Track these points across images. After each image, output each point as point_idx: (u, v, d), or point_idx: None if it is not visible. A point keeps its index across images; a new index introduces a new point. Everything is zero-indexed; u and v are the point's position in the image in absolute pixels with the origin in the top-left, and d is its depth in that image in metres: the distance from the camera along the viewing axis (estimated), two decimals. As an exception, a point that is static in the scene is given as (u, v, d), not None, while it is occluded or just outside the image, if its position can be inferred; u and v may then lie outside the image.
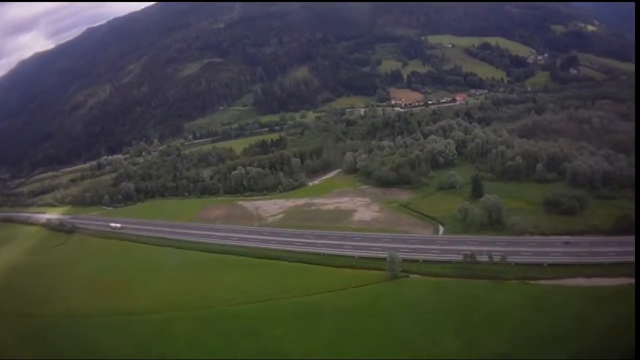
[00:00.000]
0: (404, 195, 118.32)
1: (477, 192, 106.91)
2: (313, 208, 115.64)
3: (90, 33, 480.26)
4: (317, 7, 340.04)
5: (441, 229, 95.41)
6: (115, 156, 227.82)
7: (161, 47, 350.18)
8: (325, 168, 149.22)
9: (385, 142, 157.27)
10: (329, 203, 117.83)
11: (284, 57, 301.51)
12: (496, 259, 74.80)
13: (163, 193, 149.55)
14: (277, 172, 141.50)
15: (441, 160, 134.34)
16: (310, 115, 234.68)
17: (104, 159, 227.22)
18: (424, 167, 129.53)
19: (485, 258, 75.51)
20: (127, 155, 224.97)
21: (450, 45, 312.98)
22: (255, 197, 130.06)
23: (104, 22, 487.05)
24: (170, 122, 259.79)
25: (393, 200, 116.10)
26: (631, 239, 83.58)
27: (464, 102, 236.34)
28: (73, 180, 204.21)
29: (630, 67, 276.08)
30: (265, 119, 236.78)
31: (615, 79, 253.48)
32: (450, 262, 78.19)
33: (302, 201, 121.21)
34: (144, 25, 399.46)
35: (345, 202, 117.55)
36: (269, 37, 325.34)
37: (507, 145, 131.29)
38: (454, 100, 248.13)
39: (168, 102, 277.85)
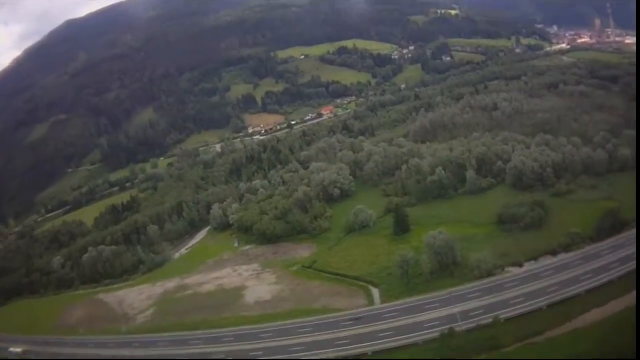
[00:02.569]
0: (303, 251, 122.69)
1: (401, 226, 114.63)
2: (189, 293, 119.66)
3: None
4: (156, 43, 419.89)
5: (375, 292, 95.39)
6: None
7: (11, 112, 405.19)
8: (191, 229, 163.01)
9: (258, 182, 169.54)
10: (207, 282, 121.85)
11: (127, 102, 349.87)
12: (482, 320, 75.88)
13: (21, 292, 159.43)
14: (134, 247, 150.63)
15: (336, 192, 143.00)
16: (162, 163, 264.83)
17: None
18: (317, 206, 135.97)
19: (464, 325, 75.22)
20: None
21: (302, 57, 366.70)
22: (116, 286, 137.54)
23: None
24: (21, 196, 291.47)
25: (291, 260, 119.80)
26: (625, 237, 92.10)
27: (332, 115, 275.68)
28: None
29: (505, 43, 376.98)
30: (115, 176, 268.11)
31: (494, 57, 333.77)
32: (416, 344, 75.88)
33: (172, 283, 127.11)
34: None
35: (228, 277, 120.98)
36: (111, 82, 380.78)
37: (419, 157, 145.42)
38: (320, 115, 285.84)
39: (18, 173, 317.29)
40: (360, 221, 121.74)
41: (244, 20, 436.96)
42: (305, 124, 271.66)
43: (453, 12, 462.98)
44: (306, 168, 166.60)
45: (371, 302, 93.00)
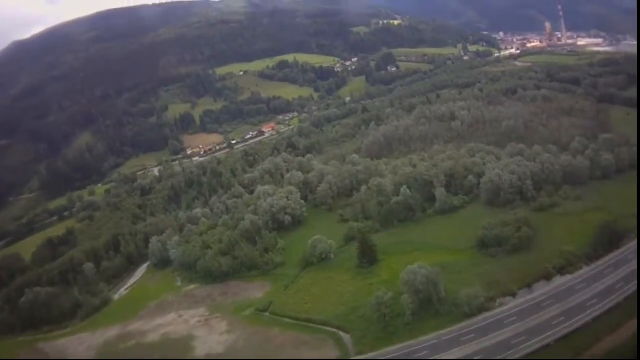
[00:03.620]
0: (256, 291, 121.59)
1: (368, 258, 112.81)
2: (131, 344, 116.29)
3: None
4: (96, 63, 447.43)
5: (347, 340, 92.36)
6: None
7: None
8: (129, 265, 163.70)
9: (198, 211, 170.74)
10: (151, 330, 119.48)
11: (66, 125, 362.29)
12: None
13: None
14: (71, 288, 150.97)
15: (287, 219, 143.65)
16: (100, 190, 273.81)
17: None
18: (267, 237, 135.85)
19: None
20: None
21: (242, 73, 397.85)
22: (55, 334, 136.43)
23: None
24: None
25: (242, 303, 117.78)
26: (624, 251, 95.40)
27: (275, 133, 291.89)
28: None
29: (452, 50, 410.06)
30: (55, 203, 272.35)
31: (442, 65, 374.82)
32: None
33: (113, 332, 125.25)
34: None
35: (173, 324, 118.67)
36: (51, 105, 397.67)
37: (378, 175, 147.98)
38: (261, 133, 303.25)
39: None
40: (318, 253, 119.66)
41: (183, 37, 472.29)
42: (246, 143, 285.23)
43: (396, 22, 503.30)
44: (251, 192, 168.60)
45: (344, 352, 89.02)
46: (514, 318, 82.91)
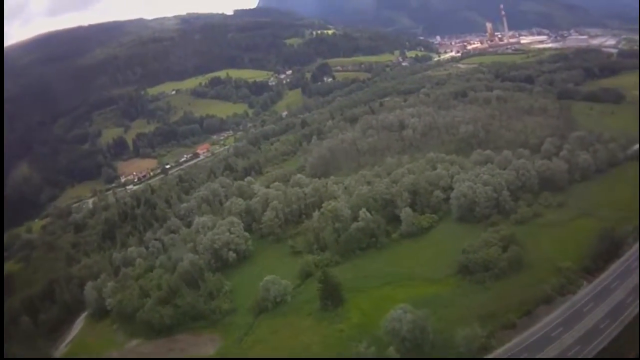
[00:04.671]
0: (206, 346, 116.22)
1: (332, 299, 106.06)
2: None
3: None
4: (32, 88, 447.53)
5: None
6: None
7: None
8: (67, 315, 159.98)
9: (133, 250, 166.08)
10: None
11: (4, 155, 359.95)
12: None
13: None
14: (11, 345, 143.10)
15: (232, 256, 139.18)
16: (37, 226, 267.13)
17: None
18: (211, 280, 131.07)
19: None
20: None
21: (174, 92, 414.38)
22: None
23: None
24: None
25: None
26: (626, 259, 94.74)
27: (210, 154, 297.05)
28: None
29: (389, 57, 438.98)
30: None
31: (381, 72, 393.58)
32: None
33: None
34: None
35: None
36: None
37: (331, 196, 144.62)
38: (196, 155, 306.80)
39: None
40: (272, 297, 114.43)
41: (116, 57, 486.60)
42: (181, 167, 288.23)
43: (330, 32, 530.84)
44: (188, 224, 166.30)
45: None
46: (525, 355, 79.02)
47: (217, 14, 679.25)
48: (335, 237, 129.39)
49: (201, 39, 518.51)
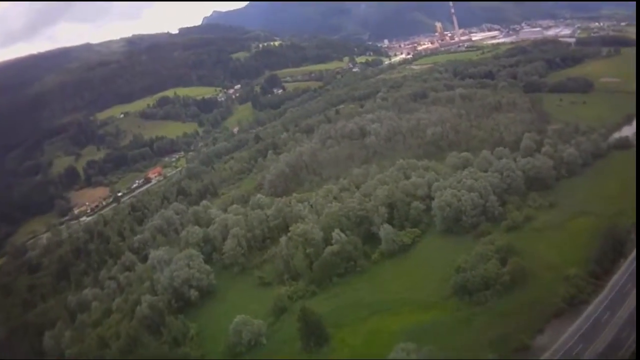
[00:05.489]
0: None
1: (316, 338, 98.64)
2: None
3: None
4: None
5: None
6: None
7: None
8: None
9: (88, 292, 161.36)
10: None
11: None
12: None
13: None
14: None
15: (194, 294, 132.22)
16: None
17: None
18: (174, 324, 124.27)
19: None
20: None
21: (122, 115, 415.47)
22: None
23: None
24: None
25: None
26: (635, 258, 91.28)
27: (162, 178, 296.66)
28: None
29: (339, 64, 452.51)
30: None
31: (332, 80, 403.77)
32: None
33: None
34: None
35: None
36: None
37: (297, 217, 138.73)
38: (148, 179, 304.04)
39: None
40: (246, 340, 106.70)
41: (65, 84, 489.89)
42: (133, 194, 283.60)
43: (276, 43, 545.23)
44: (144, 258, 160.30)
45: None
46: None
47: (163, 34, 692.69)
48: (308, 263, 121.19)
49: (148, 60, 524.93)
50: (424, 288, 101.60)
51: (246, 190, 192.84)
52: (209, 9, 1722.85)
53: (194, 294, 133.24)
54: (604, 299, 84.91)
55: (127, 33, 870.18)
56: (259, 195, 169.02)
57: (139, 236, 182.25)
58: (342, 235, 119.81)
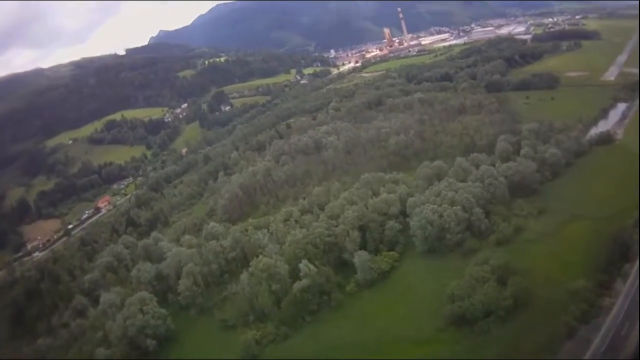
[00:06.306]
0: None
1: None
2: None
3: None
4: None
5: None
6: None
7: None
8: None
9: (42, 342, 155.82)
10: None
11: None
12: None
13: None
14: None
15: (151, 343, 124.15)
16: None
17: None
18: None
19: None
20: None
21: (70, 142, 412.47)
22: None
23: None
24: None
25: None
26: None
27: (111, 207, 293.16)
28: None
29: (286, 77, 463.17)
30: None
31: (280, 94, 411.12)
32: None
33: None
34: None
35: None
36: None
37: (258, 248, 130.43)
38: (97, 209, 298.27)
39: None
40: None
41: (15, 110, 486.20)
42: (83, 225, 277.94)
43: (221, 59, 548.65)
44: (96, 300, 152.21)
45: None
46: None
47: (110, 55, 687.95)
48: (274, 301, 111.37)
49: (95, 83, 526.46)
50: (414, 321, 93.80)
51: (198, 216, 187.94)
52: (155, 28, 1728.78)
53: (151, 343, 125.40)
54: (619, 310, 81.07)
55: (77, 56, 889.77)
56: (212, 224, 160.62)
57: (89, 275, 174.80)
58: (311, 266, 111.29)
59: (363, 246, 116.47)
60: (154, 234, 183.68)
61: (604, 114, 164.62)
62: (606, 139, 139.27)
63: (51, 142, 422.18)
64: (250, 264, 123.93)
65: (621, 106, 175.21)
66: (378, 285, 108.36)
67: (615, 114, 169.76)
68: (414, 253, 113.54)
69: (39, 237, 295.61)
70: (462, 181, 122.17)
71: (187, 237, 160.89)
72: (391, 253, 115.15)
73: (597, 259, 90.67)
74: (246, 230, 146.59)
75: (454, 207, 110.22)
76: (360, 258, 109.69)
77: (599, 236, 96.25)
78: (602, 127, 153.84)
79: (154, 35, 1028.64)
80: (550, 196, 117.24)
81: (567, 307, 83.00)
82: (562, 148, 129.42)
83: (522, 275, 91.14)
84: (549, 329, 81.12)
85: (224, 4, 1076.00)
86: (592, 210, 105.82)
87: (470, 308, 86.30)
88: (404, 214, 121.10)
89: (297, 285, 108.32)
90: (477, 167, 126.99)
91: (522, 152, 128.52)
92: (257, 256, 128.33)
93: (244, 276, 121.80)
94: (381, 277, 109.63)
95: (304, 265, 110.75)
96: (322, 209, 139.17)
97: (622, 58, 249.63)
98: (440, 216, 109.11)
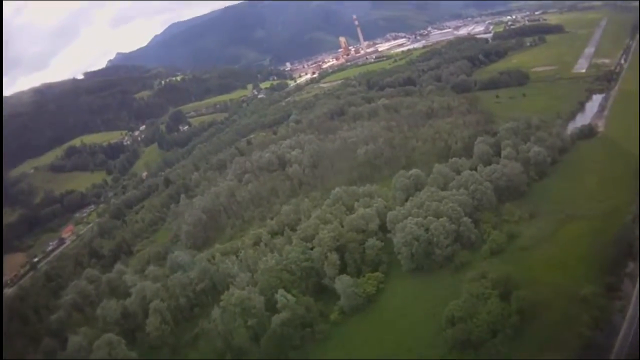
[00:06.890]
0: None
1: None
2: None
3: None
4: None
5: None
6: None
7: None
8: None
9: None
10: None
11: None
12: None
13: None
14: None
15: None
16: None
17: None
18: None
19: None
20: None
21: (32, 170, 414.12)
22: None
23: None
24: None
25: None
26: None
27: (75, 237, 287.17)
28: None
29: (243, 92, 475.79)
30: None
31: (238, 110, 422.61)
32: None
33: None
34: None
35: None
36: None
37: (229, 278, 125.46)
38: (62, 240, 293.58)
39: None
40: None
41: None
42: (49, 258, 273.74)
43: (178, 78, 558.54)
44: (64, 343, 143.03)
45: None
46: None
47: (69, 80, 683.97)
48: (252, 336, 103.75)
49: (55, 108, 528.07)
50: (412, 348, 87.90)
51: (162, 242, 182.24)
52: (113, 51, 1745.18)
53: None
54: (634, 313, 78.81)
55: (38, 82, 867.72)
56: (176, 253, 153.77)
57: (55, 315, 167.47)
58: (289, 296, 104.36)
59: (343, 269, 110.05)
60: (118, 266, 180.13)
61: (580, 107, 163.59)
62: (588, 133, 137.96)
63: (14, 172, 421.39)
64: (222, 297, 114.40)
65: (597, 98, 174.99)
66: (365, 311, 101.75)
67: (592, 107, 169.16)
68: (399, 272, 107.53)
69: (6, 273, 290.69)
70: (443, 189, 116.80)
71: (151, 268, 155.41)
72: (375, 274, 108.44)
73: (599, 261, 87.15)
74: (213, 258, 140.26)
75: (440, 219, 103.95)
76: (342, 284, 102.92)
77: (596, 236, 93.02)
78: (581, 120, 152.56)
79: (112, 58, 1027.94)
80: (539, 197, 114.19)
81: (578, 316, 78.36)
82: (544, 146, 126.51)
83: (525, 286, 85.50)
84: (563, 343, 76.48)
85: (179, 22, 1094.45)
86: (585, 208, 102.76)
87: (475, 330, 79.61)
88: (383, 229, 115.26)
89: (276, 318, 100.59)
90: (458, 172, 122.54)
91: (504, 153, 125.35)
92: (228, 287, 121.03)
93: (215, 312, 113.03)
94: (367, 302, 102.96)
95: (280, 296, 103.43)
96: (293, 229, 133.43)
97: (590, 50, 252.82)
98: (427, 230, 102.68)
